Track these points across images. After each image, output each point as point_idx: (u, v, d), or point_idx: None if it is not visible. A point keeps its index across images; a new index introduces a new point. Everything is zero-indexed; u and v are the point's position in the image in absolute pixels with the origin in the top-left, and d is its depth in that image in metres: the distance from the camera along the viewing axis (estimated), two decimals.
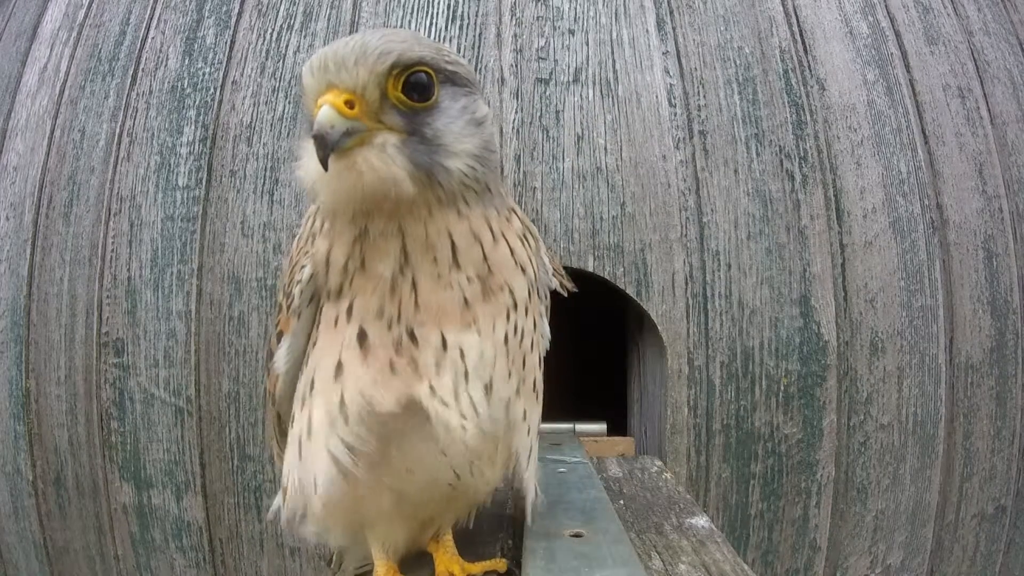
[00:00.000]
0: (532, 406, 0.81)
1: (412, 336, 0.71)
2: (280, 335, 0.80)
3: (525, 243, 0.78)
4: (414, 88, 0.67)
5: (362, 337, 0.71)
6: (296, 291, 0.76)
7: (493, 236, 0.74)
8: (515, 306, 0.76)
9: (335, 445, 0.73)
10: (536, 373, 0.82)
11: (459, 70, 0.71)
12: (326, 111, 0.63)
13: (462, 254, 0.71)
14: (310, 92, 0.67)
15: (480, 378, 0.73)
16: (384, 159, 0.65)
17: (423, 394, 0.71)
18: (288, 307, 0.77)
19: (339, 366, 0.72)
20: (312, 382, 0.75)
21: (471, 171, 0.70)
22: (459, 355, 0.72)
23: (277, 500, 0.84)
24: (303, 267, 0.75)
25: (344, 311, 0.72)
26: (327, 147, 0.62)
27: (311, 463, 0.75)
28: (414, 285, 0.70)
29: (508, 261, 0.75)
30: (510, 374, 0.76)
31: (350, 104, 0.64)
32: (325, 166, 0.63)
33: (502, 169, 1.43)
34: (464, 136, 0.69)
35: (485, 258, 0.73)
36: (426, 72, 0.68)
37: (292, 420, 0.79)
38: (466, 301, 0.72)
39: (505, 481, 0.84)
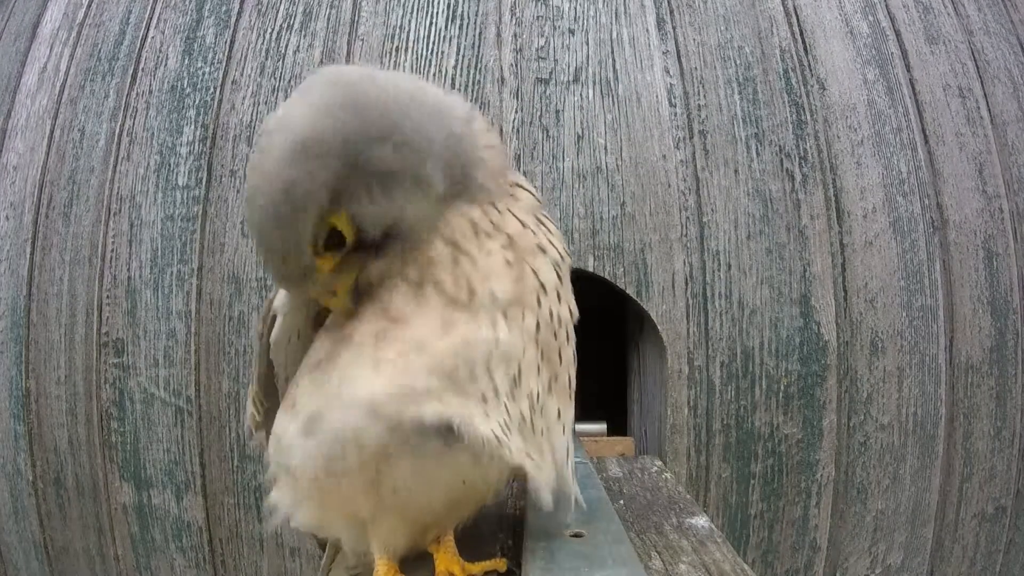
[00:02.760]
0: (566, 405, 0.72)
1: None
2: None
3: (540, 225, 0.70)
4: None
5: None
6: None
7: (498, 211, 0.67)
8: (543, 289, 0.67)
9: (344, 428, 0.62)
10: (571, 370, 0.73)
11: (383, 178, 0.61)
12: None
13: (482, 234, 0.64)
14: None
15: (508, 369, 0.63)
16: None
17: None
18: None
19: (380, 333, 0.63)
20: (336, 349, 0.65)
21: (449, 181, 0.64)
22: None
23: (274, 494, 0.72)
24: None
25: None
26: None
27: (322, 433, 0.64)
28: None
29: (525, 236, 0.67)
30: (539, 369, 0.67)
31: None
32: None
33: None
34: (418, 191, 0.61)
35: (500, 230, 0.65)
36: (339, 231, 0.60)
37: (297, 384, 0.68)
38: (508, 263, 0.64)
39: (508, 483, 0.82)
